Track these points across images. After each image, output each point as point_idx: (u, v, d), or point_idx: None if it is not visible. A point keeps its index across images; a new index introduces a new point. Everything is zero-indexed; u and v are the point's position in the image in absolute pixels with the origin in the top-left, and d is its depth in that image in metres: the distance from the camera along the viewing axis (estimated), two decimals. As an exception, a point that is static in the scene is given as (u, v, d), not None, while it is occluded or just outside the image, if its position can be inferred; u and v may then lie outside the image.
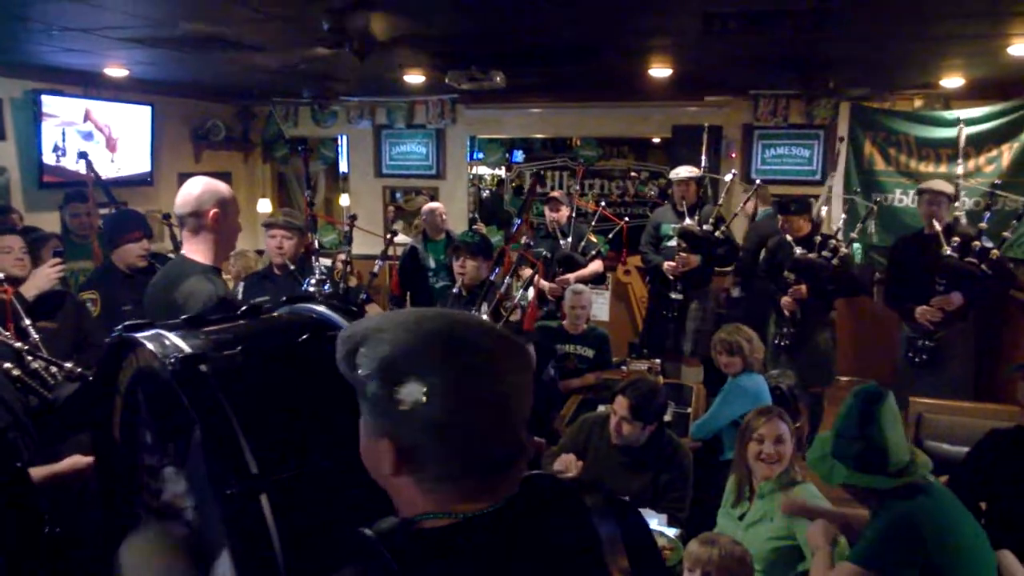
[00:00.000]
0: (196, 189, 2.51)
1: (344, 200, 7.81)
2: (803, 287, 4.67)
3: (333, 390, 1.11)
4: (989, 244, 4.29)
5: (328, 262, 4.30)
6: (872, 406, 2.11)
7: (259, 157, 8.04)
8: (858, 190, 5.84)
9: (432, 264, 4.71)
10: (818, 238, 4.75)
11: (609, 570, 0.98)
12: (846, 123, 6.09)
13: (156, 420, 1.40)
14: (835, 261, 4.64)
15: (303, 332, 1.43)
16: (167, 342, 1.30)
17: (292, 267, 3.50)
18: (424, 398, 0.88)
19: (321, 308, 1.51)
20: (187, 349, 1.27)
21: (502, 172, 9.10)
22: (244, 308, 1.54)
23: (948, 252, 4.29)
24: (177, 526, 1.35)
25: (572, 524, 0.99)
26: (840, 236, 4.89)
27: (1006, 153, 5.50)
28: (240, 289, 3.83)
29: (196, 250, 2.51)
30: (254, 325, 1.52)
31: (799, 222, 4.85)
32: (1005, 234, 4.63)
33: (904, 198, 5.81)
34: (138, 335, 1.33)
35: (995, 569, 2.11)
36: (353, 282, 4.18)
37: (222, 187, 2.56)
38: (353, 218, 4.42)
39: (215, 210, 2.49)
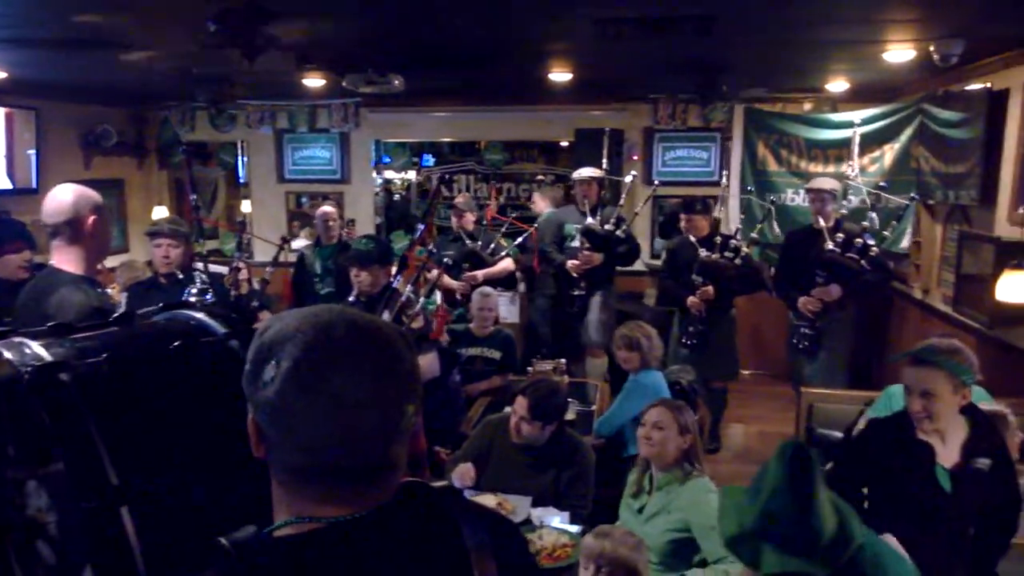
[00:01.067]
0: (69, 196, 2.39)
1: (246, 206, 7.58)
2: (710, 288, 4.83)
3: (204, 399, 1.08)
4: (871, 241, 4.55)
5: (223, 270, 4.17)
6: (810, 486, 1.63)
7: (155, 163, 7.72)
8: (752, 190, 6.08)
9: (318, 269, 4.62)
10: (718, 238, 4.92)
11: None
12: (740, 126, 6.33)
13: (18, 432, 1.31)
14: (737, 260, 4.82)
15: (176, 339, 1.37)
16: (27, 351, 1.23)
17: (180, 276, 3.37)
18: (272, 379, 0.89)
19: (200, 315, 1.47)
20: (48, 357, 1.21)
21: (412, 176, 9.05)
22: (117, 315, 1.48)
23: (830, 247, 4.52)
24: (41, 543, 1.28)
25: (440, 534, 0.98)
26: (740, 236, 5.08)
27: (888, 154, 5.81)
28: (124, 300, 3.67)
29: (67, 260, 2.41)
30: (125, 333, 1.46)
31: (701, 222, 5.01)
32: (885, 233, 4.92)
33: (796, 197, 6.06)
34: None
35: None
36: (245, 289, 4.05)
37: (93, 194, 2.46)
38: (242, 224, 4.30)
39: (93, 216, 2.39)
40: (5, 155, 6.04)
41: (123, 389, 1.25)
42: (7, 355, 1.23)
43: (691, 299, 4.92)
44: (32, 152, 6.25)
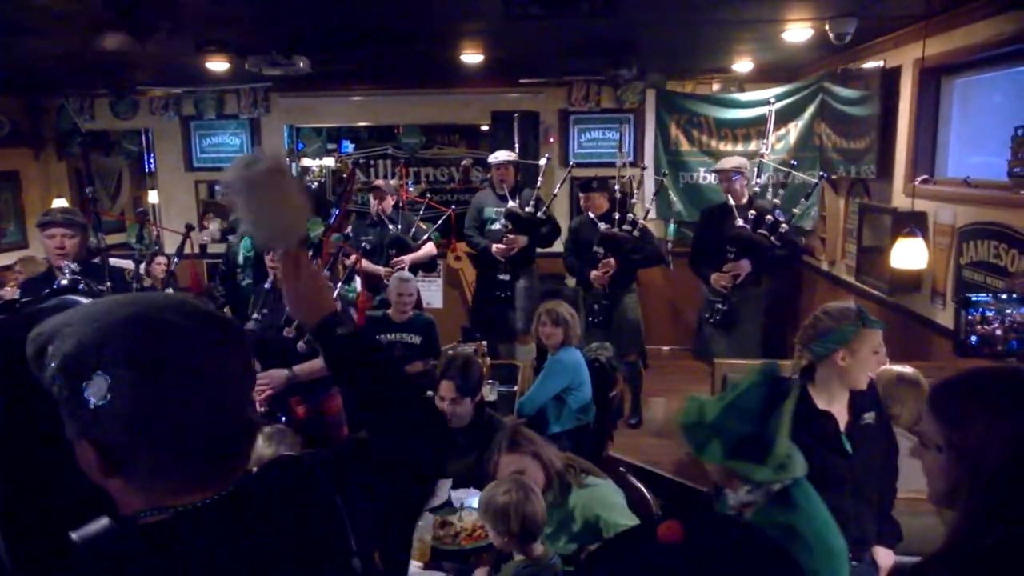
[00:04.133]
0: None
1: (153, 197, 7.28)
2: (612, 260, 4.92)
3: None
4: (781, 218, 4.69)
5: (127, 263, 3.99)
6: (781, 399, 1.83)
7: (53, 154, 7.32)
8: (666, 172, 6.20)
9: (240, 260, 4.50)
10: (616, 214, 5.01)
11: (350, 544, 0.96)
12: (652, 107, 6.43)
13: None
14: (635, 233, 4.93)
15: None
16: None
17: (76, 268, 3.21)
18: (110, 394, 0.82)
19: (85, 300, 1.42)
20: None
21: (330, 163, 8.87)
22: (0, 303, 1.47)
23: (740, 224, 4.65)
24: None
25: (310, 501, 0.96)
26: (649, 213, 5.17)
27: (792, 131, 6.00)
28: (17, 295, 3.48)
29: None
30: (3, 321, 1.43)
31: (599, 200, 5.10)
32: (795, 210, 5.08)
33: (708, 176, 6.21)
34: None
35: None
36: (148, 282, 3.90)
37: None
38: (143, 214, 4.13)
39: None
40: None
41: None
42: None
43: (594, 273, 5.01)
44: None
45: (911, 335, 4.35)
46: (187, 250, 4.39)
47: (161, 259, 5.56)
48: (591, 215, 5.08)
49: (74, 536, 0.81)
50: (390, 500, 1.08)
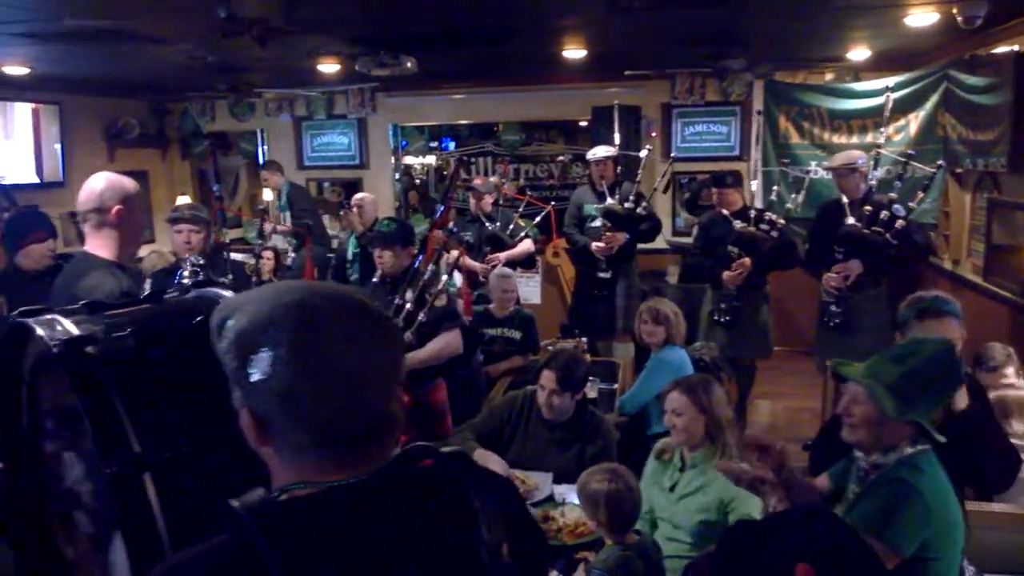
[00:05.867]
0: (99, 185, 2.47)
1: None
2: (747, 260, 4.74)
3: (223, 372, 1.10)
4: (900, 213, 4.42)
5: (246, 257, 4.20)
6: (956, 374, 2.15)
7: (177, 154, 7.81)
8: (787, 162, 5.95)
9: (349, 256, 4.65)
10: (753, 211, 4.83)
11: (484, 541, 0.98)
12: (761, 99, 6.22)
13: (54, 406, 1.41)
14: (774, 233, 4.73)
15: (199, 315, 1.42)
16: (59, 327, 1.31)
17: (202, 262, 3.40)
18: (269, 370, 0.89)
19: (227, 293, 1.53)
20: (76, 332, 1.29)
21: (432, 161, 9.06)
22: (147, 294, 1.57)
23: (850, 221, 4.43)
24: (79, 512, 1.36)
25: (447, 495, 0.99)
26: (775, 209, 4.95)
27: (913, 122, 5.69)
28: (147, 286, 3.71)
29: (99, 246, 2.47)
30: (153, 309, 1.54)
31: (733, 196, 4.93)
32: (911, 204, 4.79)
33: (819, 170, 5.96)
34: (31, 320, 1.34)
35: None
36: (267, 276, 4.08)
37: (127, 183, 2.51)
38: (264, 211, 4.33)
39: (119, 207, 2.45)
40: (33, 150, 6.13)
41: (146, 362, 1.32)
42: (39, 331, 1.30)
43: (727, 273, 4.82)
44: (58, 146, 6.34)
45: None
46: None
47: (268, 253, 5.82)
48: (724, 212, 4.93)
49: (234, 503, 0.87)
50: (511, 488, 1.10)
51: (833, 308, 4.56)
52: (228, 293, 1.51)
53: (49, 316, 1.35)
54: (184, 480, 1.19)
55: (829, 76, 6.40)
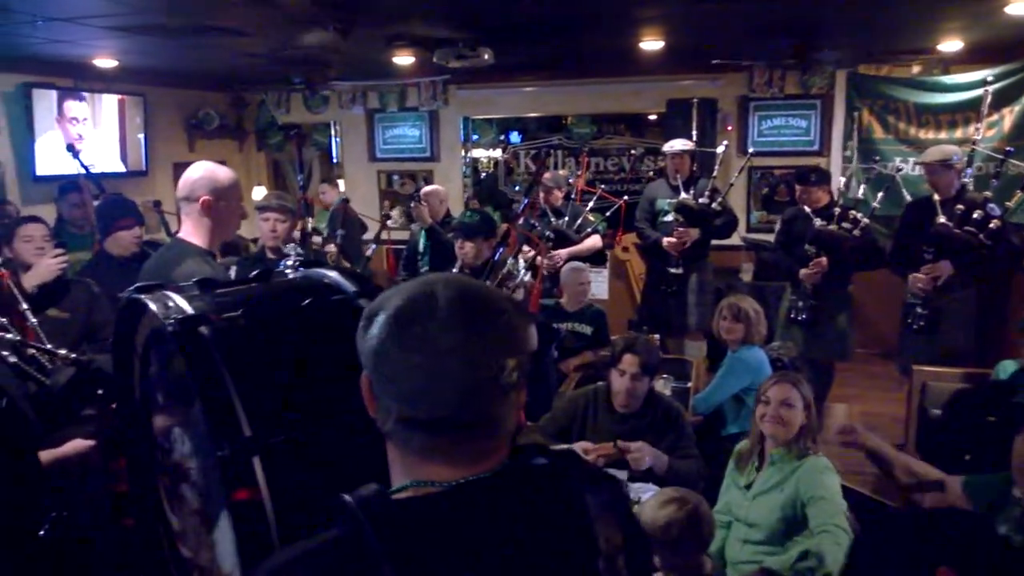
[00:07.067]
0: (195, 175, 2.51)
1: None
2: (824, 259, 4.60)
3: (334, 353, 1.10)
4: (995, 213, 4.20)
5: (329, 247, 4.26)
6: None
7: (253, 145, 8.00)
8: (876, 159, 5.74)
9: (420, 248, 4.67)
10: (837, 209, 4.67)
11: (598, 544, 0.95)
12: (843, 92, 6.02)
13: (165, 381, 1.43)
14: (856, 232, 4.56)
15: (308, 296, 1.44)
16: (171, 304, 1.32)
17: (286, 250, 3.47)
18: (377, 329, 0.91)
19: (333, 274, 1.53)
20: (189, 310, 1.29)
21: (499, 154, 9.05)
22: (256, 273, 1.55)
23: (941, 220, 4.24)
24: (185, 486, 1.38)
25: (561, 496, 0.96)
26: (861, 208, 4.77)
27: (1007, 117, 5.43)
28: (232, 273, 3.79)
29: (192, 232, 2.52)
30: (261, 289, 1.54)
31: (818, 193, 4.77)
32: (1008, 204, 4.55)
33: (904, 166, 5.73)
34: (144, 297, 1.36)
35: None
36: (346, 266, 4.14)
37: (220, 175, 2.53)
38: (345, 201, 4.38)
39: (206, 198, 2.48)
40: (119, 139, 6.35)
41: (258, 343, 1.31)
42: (153, 307, 1.31)
43: (803, 272, 4.68)
44: (141, 136, 6.56)
45: None
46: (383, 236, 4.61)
47: (330, 246, 5.89)
48: (806, 208, 4.79)
49: (347, 498, 0.86)
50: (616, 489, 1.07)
51: (919, 310, 4.38)
52: (333, 273, 1.50)
53: (162, 292, 1.37)
54: (294, 466, 1.18)
55: (916, 69, 6.14)
